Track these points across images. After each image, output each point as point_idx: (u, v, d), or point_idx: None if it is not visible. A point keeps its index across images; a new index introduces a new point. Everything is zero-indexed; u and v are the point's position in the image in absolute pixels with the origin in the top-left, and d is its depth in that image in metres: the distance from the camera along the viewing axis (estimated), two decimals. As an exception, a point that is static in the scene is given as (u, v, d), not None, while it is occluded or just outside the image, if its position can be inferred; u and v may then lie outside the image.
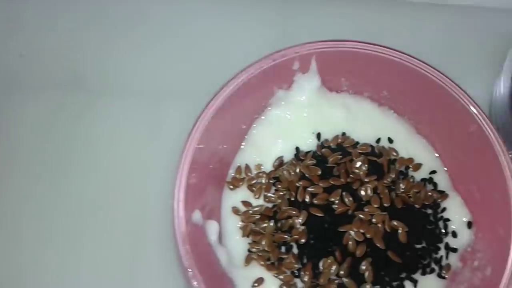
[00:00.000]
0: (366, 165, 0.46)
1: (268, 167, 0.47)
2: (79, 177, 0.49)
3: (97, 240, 0.47)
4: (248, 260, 0.44)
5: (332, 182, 0.45)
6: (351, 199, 0.44)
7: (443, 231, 0.45)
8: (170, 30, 0.55)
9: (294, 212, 0.44)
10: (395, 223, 0.44)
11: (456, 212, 0.46)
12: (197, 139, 0.43)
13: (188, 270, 0.38)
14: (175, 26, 0.55)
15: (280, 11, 0.57)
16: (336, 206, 0.44)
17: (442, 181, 0.47)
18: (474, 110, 0.44)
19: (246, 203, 0.46)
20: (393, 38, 0.52)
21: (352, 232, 0.43)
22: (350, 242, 0.43)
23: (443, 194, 0.46)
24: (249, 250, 0.44)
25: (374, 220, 0.44)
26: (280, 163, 0.47)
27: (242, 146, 0.48)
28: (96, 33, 0.55)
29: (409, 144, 0.49)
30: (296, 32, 0.54)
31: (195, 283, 0.38)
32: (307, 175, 0.46)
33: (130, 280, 0.46)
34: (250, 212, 0.46)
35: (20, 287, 0.46)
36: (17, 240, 0.47)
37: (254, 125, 0.48)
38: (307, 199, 0.45)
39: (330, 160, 0.46)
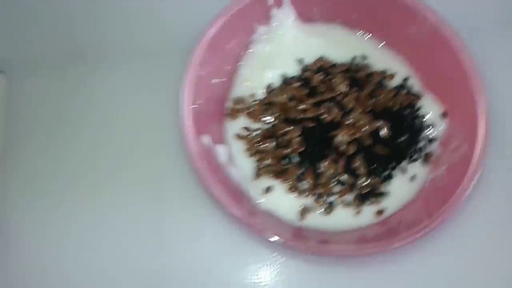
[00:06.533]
0: (346, 81, 0.52)
1: (261, 95, 0.53)
2: (96, 135, 0.54)
3: (122, 175, 0.52)
4: (257, 175, 0.50)
5: (319, 98, 0.51)
6: (337, 109, 0.50)
7: (421, 125, 0.51)
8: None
9: (290, 128, 0.50)
10: (377, 123, 0.50)
11: (430, 108, 0.52)
12: (193, 76, 0.48)
13: (204, 181, 0.44)
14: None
15: None
16: (324, 116, 0.50)
17: (415, 84, 0.54)
18: (431, 14, 0.50)
19: (247, 129, 0.52)
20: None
21: (342, 135, 0.49)
22: (341, 144, 0.49)
23: (417, 96, 0.53)
24: (257, 167, 0.50)
25: (359, 123, 0.50)
26: (270, 89, 0.53)
27: (234, 81, 0.54)
28: (80, 9, 0.59)
29: (381, 58, 0.54)
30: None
31: (213, 191, 0.44)
32: (296, 96, 0.51)
33: (156, 201, 0.51)
34: (252, 135, 0.51)
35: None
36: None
37: (242, 61, 0.54)
38: (300, 115, 0.50)
39: (314, 80, 0.52)
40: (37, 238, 0.51)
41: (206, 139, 0.48)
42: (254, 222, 0.44)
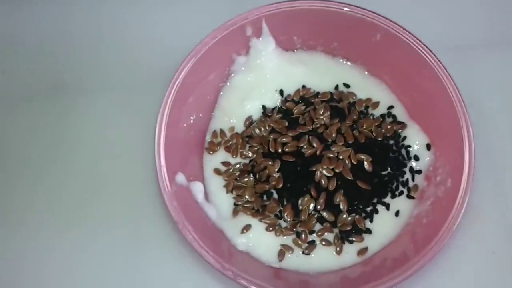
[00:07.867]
0: (328, 111, 0.50)
1: (240, 128, 0.51)
2: (73, 168, 0.53)
3: (97, 209, 0.51)
4: (235, 212, 0.48)
5: (299, 131, 0.49)
6: (318, 141, 0.48)
7: (406, 156, 0.50)
8: (123, 24, 0.58)
9: (269, 163, 0.48)
10: (360, 155, 0.48)
11: (415, 139, 0.50)
12: (167, 114, 0.47)
13: (177, 223, 0.43)
14: (126, 20, 0.59)
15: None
16: (305, 150, 0.48)
17: (400, 113, 0.52)
18: (415, 43, 0.48)
19: (225, 163, 0.50)
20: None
21: (322, 170, 0.47)
22: (322, 179, 0.47)
23: (402, 124, 0.51)
24: (235, 204, 0.49)
25: (341, 156, 0.48)
26: (250, 122, 0.51)
27: (213, 114, 0.52)
28: (63, 43, 0.58)
29: (365, 86, 0.53)
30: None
31: (187, 234, 0.43)
32: (276, 129, 0.50)
33: (131, 241, 0.50)
34: (231, 170, 0.50)
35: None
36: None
37: (221, 93, 0.53)
38: (279, 149, 0.49)
39: (295, 111, 0.51)
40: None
41: (180, 178, 0.46)
42: (230, 268, 0.42)
